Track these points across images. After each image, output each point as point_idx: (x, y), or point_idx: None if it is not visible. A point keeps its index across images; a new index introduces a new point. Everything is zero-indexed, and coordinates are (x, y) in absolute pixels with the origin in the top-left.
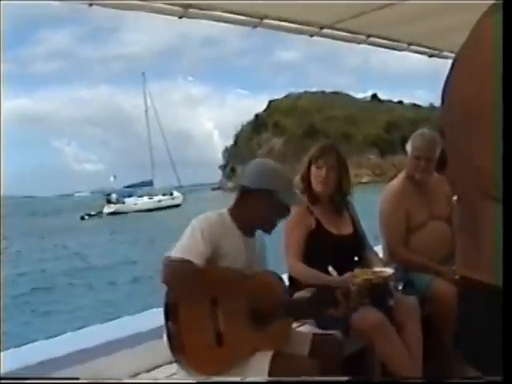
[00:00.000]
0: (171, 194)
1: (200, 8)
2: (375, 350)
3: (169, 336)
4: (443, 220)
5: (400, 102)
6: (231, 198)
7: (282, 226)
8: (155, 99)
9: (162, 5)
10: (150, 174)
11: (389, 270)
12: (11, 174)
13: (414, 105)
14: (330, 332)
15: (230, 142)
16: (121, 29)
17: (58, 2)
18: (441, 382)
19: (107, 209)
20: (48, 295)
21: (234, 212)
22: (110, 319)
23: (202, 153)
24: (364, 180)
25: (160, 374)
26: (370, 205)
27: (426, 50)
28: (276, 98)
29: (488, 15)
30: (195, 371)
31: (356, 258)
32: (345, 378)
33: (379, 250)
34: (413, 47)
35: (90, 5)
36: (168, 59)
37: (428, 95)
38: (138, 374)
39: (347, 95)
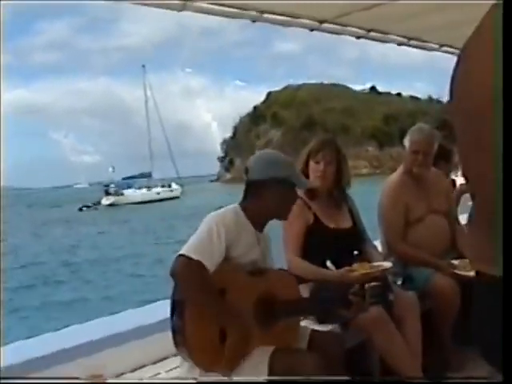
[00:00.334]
0: (170, 186)
1: (199, 1)
2: (374, 345)
3: (173, 330)
4: (441, 214)
5: (398, 94)
6: (229, 189)
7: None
8: (154, 90)
9: None
10: (149, 165)
11: (387, 264)
12: (9, 166)
13: (413, 97)
14: (330, 327)
15: (229, 134)
16: (120, 20)
17: None
18: (441, 382)
19: (105, 200)
20: (45, 288)
21: (248, 207)
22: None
23: (200, 144)
24: (362, 172)
25: (165, 366)
26: (368, 196)
27: (426, 44)
28: (274, 89)
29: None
30: (199, 366)
31: (355, 252)
32: (346, 378)
33: (378, 244)
34: (413, 42)
35: None
36: (167, 50)
37: (427, 87)
38: (144, 366)
39: (346, 87)
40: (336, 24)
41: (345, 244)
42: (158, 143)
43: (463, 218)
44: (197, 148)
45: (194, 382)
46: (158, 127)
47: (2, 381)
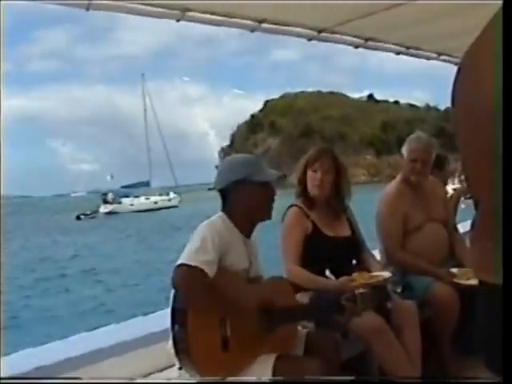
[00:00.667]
0: (168, 195)
1: (198, 11)
2: (374, 354)
3: (175, 339)
4: (440, 222)
5: (396, 102)
6: None
7: (279, 229)
8: (152, 99)
9: (160, 9)
10: (147, 174)
11: (386, 274)
12: (7, 174)
13: (410, 105)
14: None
15: (226, 142)
16: (117, 29)
17: (54, 2)
18: (441, 382)
19: (103, 209)
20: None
21: (229, 213)
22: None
23: (198, 153)
24: (360, 180)
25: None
26: (366, 205)
27: (424, 53)
28: (272, 97)
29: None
30: (201, 375)
31: (354, 261)
32: (349, 378)
33: (376, 253)
34: (411, 51)
35: (87, 9)
36: (164, 59)
37: (424, 95)
38: (151, 373)
39: (343, 95)
40: (334, 33)
41: (344, 253)
42: (156, 152)
43: (463, 226)
44: (195, 156)
45: (194, 381)
46: (156, 136)
47: (2, 381)
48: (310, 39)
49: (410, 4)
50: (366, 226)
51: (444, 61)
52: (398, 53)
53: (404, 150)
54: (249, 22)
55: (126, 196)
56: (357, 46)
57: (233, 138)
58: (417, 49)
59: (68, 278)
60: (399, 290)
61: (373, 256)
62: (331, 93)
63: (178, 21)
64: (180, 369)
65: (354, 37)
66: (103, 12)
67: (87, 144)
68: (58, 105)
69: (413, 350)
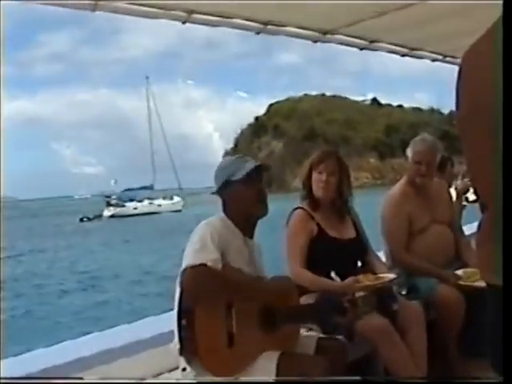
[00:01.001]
0: (171, 199)
1: (203, 13)
2: (379, 355)
3: (181, 339)
4: (445, 224)
5: (400, 106)
6: None
7: (284, 231)
8: (156, 102)
9: (166, 10)
10: (151, 177)
11: (391, 275)
12: (10, 177)
13: (414, 108)
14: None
15: (231, 145)
16: (121, 31)
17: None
18: (441, 382)
19: (107, 212)
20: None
21: (228, 214)
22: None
23: (202, 156)
24: (364, 182)
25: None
26: (370, 207)
27: (429, 54)
28: (276, 101)
29: None
30: (207, 372)
31: (359, 263)
32: (355, 378)
33: (382, 255)
34: (415, 52)
35: (93, 10)
36: (168, 62)
37: (428, 98)
38: (161, 373)
39: (347, 98)
40: (339, 34)
41: (348, 254)
42: (160, 155)
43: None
44: (198, 159)
45: (194, 382)
46: (159, 139)
47: (2, 381)
48: (315, 41)
49: (416, 5)
50: (370, 228)
51: (449, 62)
52: (403, 55)
53: (409, 151)
54: (254, 24)
55: (130, 199)
56: (362, 48)
57: (237, 141)
58: (422, 50)
59: (69, 279)
60: (404, 292)
61: (378, 257)
62: (335, 96)
63: (183, 23)
64: (183, 370)
65: (359, 38)
66: (107, 14)
67: (91, 147)
68: (62, 108)
69: (418, 352)
